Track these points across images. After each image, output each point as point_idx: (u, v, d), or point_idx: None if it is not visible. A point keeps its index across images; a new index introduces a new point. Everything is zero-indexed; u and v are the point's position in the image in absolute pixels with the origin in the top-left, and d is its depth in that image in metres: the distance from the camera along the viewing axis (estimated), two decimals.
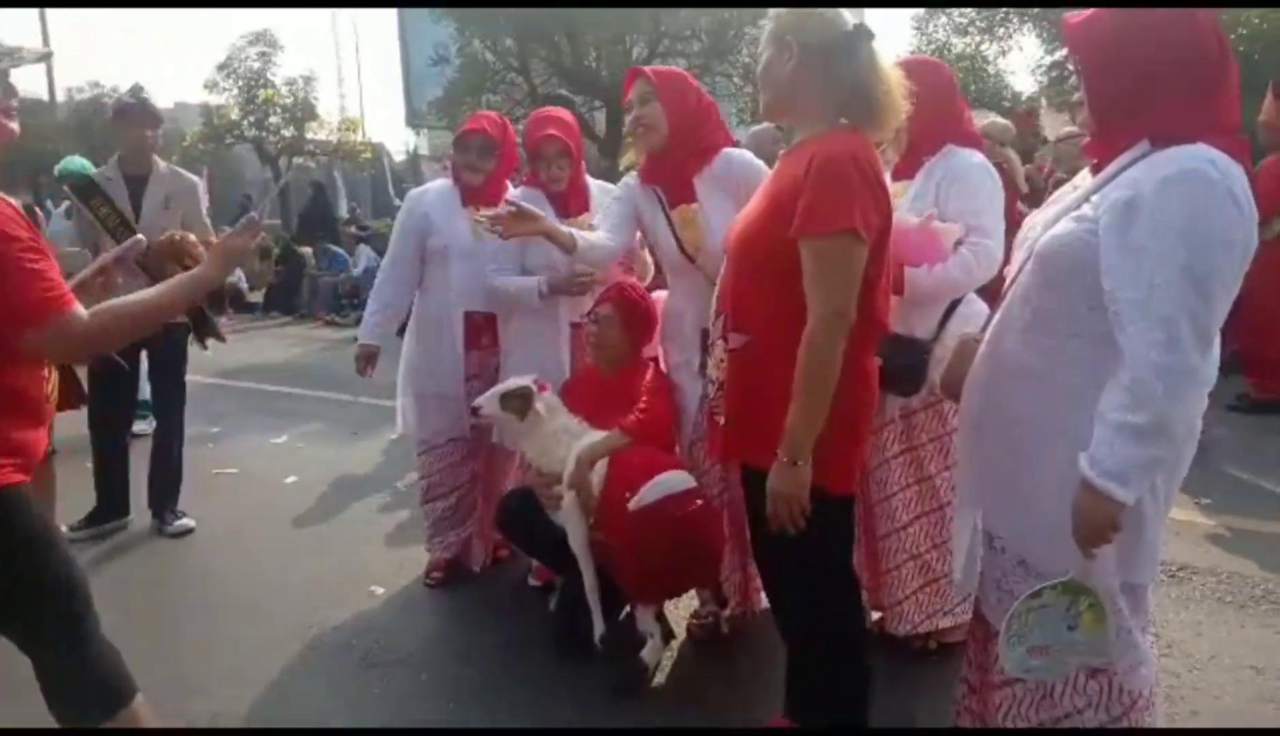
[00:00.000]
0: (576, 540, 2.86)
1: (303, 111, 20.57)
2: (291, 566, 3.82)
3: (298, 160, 20.68)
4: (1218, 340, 1.60)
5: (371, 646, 3.09)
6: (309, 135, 21.01)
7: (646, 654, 2.71)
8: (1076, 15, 1.67)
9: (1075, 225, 1.65)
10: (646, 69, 2.80)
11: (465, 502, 3.55)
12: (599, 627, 2.87)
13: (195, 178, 4.30)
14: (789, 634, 2.17)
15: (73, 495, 4.07)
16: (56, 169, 4.92)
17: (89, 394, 4.17)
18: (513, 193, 3.35)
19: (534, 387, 2.96)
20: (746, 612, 3.00)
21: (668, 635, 2.76)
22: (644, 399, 2.84)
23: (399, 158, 26.92)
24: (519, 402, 2.94)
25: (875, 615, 2.87)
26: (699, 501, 2.65)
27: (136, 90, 4.22)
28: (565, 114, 3.37)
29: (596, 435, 2.87)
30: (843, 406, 1.87)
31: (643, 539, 2.57)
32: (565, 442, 2.88)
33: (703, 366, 2.45)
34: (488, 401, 3.00)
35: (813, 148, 1.88)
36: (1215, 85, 1.57)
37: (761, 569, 2.28)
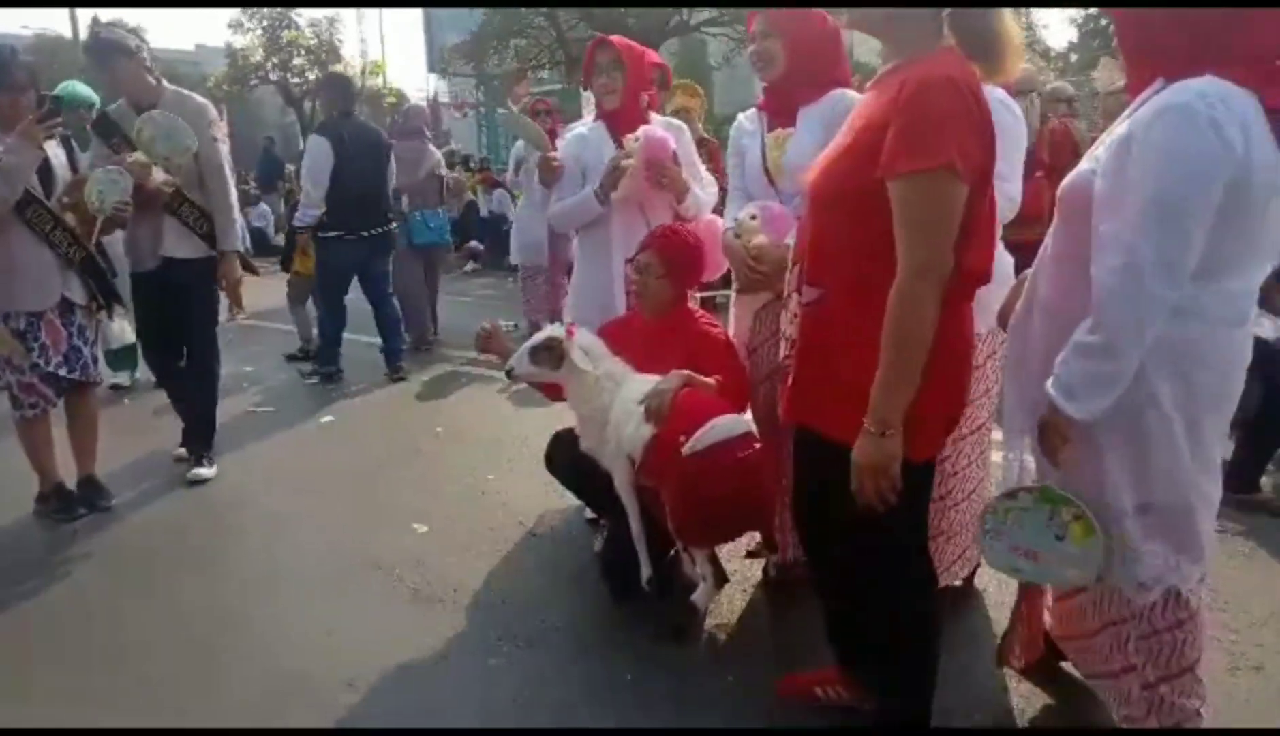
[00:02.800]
0: (621, 484, 2.83)
1: (327, 54, 20.37)
2: (332, 503, 3.83)
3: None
4: (1250, 276, 1.67)
5: (419, 582, 3.09)
6: None
7: (698, 597, 2.69)
8: None
9: (1085, 165, 1.71)
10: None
11: None
12: (646, 571, 2.85)
13: (205, 100, 4.08)
14: (836, 596, 2.11)
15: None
16: (57, 91, 4.42)
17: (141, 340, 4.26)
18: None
19: (563, 337, 2.86)
20: (798, 560, 2.98)
21: (721, 579, 2.74)
22: (723, 360, 2.81)
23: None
24: (548, 354, 2.86)
25: None
26: (755, 447, 2.61)
27: (94, 30, 4.13)
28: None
29: (642, 379, 2.82)
30: (936, 365, 1.71)
31: (696, 484, 2.52)
32: (609, 388, 2.82)
33: None
34: (518, 361, 2.90)
35: (906, 73, 1.69)
36: (1230, 19, 1.57)
37: (804, 533, 2.15)
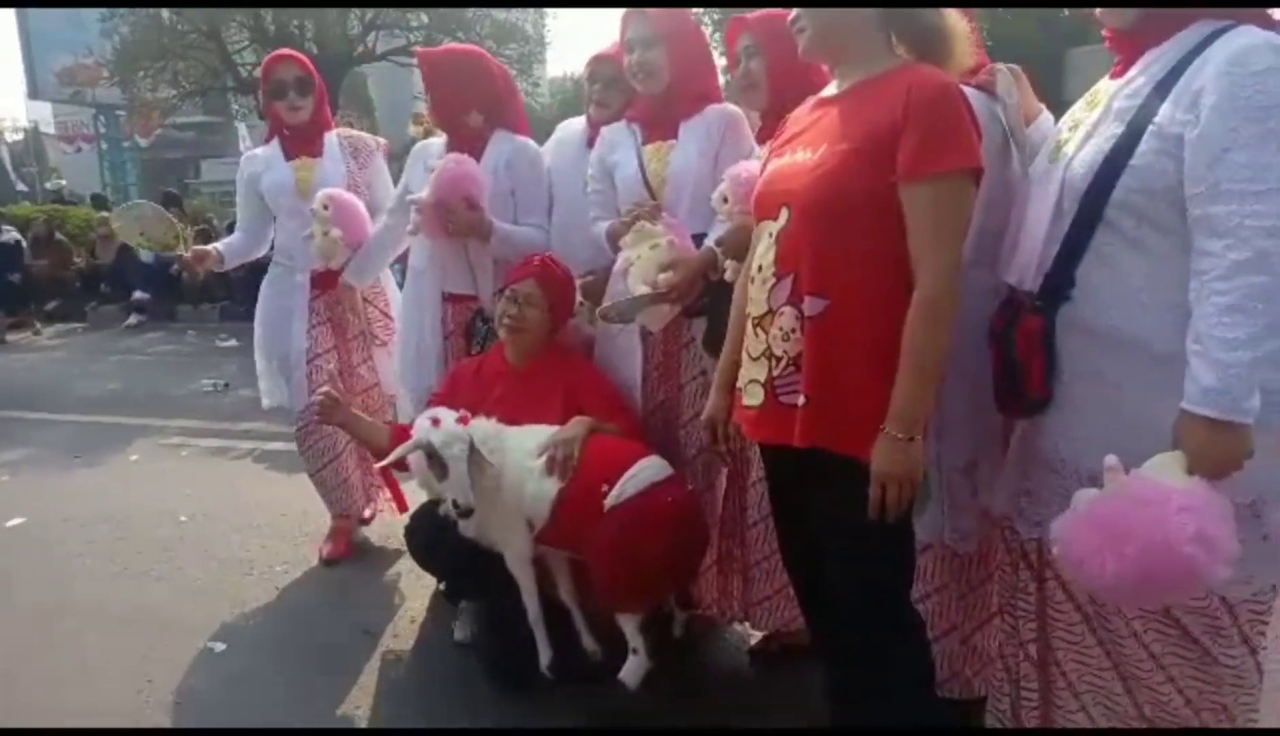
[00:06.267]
0: (518, 557, 2.42)
1: None
2: (77, 628, 2.90)
3: None
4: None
5: (234, 721, 2.40)
6: None
7: (629, 674, 2.32)
8: None
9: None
10: (650, 10, 2.48)
11: None
12: (546, 654, 2.46)
13: None
14: (847, 658, 1.87)
15: None
16: None
17: None
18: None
19: (468, 435, 2.33)
20: (704, 617, 2.73)
21: (653, 648, 2.39)
22: (609, 401, 2.51)
23: (11, 137, 23.00)
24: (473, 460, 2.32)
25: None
26: (686, 488, 2.35)
27: None
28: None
29: (527, 431, 2.44)
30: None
31: (630, 537, 2.20)
32: (495, 447, 2.38)
33: None
34: (462, 492, 2.26)
35: (900, 81, 1.66)
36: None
37: (806, 575, 1.97)
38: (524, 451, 2.38)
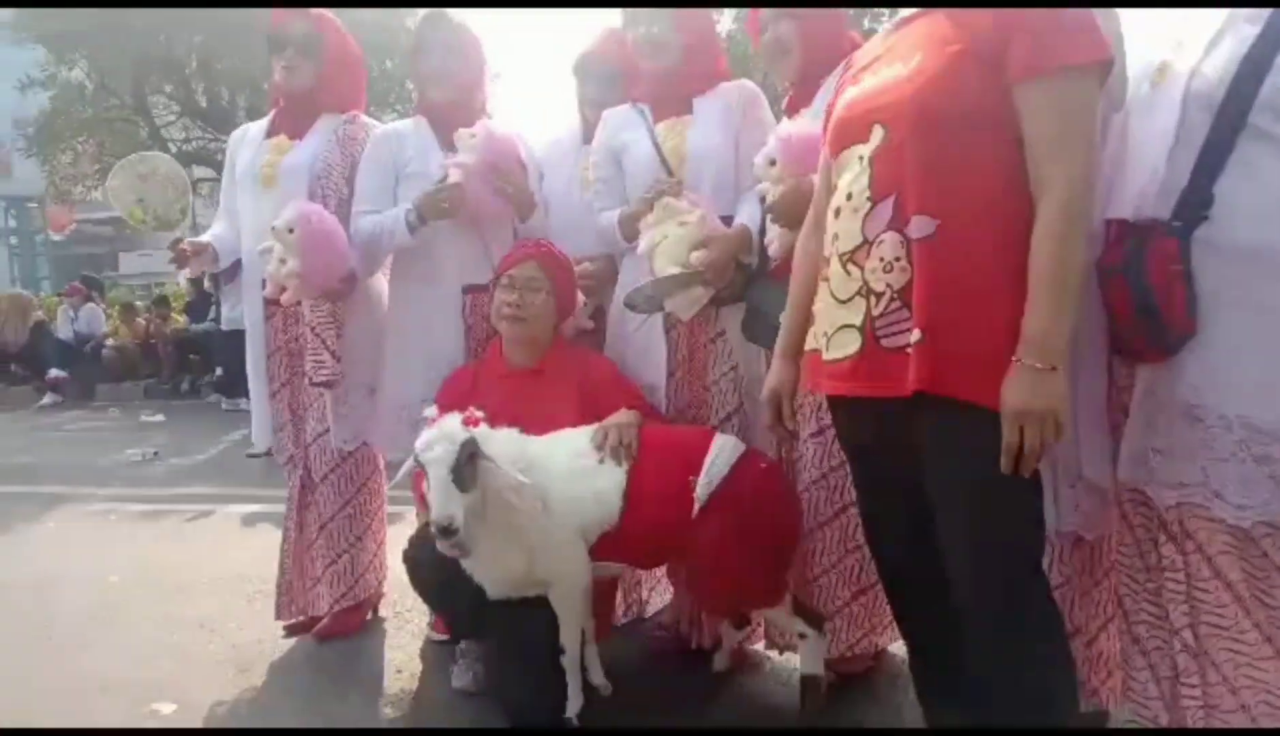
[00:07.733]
0: (575, 587, 2.05)
1: None
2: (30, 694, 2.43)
3: None
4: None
5: None
6: None
7: (808, 658, 2.10)
8: None
9: None
10: None
11: None
12: (576, 701, 2.10)
13: None
14: (974, 656, 1.56)
15: None
16: None
17: None
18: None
19: (475, 436, 1.89)
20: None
21: (817, 623, 2.10)
22: (630, 401, 2.23)
23: None
24: (472, 470, 1.87)
25: None
26: (768, 455, 2.16)
27: None
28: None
29: (554, 438, 2.11)
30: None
31: (744, 522, 1.95)
32: (522, 466, 1.94)
33: None
34: (448, 504, 1.80)
35: None
36: None
37: (899, 561, 1.72)
38: (568, 455, 2.05)
